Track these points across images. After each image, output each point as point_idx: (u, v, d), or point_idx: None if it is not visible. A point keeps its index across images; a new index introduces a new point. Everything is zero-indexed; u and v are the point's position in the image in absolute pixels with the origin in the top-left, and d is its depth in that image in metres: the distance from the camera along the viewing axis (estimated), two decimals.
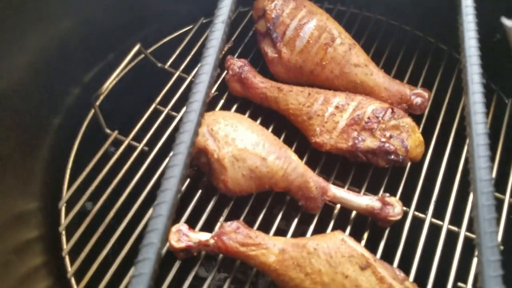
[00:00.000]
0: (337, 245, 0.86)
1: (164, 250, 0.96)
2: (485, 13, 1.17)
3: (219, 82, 1.23)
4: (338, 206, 1.03)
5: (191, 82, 1.20)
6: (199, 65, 0.72)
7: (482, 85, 0.75)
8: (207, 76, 0.73)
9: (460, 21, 0.83)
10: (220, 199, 1.05)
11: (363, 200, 0.97)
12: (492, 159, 1.07)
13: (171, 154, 0.65)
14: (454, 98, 1.20)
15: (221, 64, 1.25)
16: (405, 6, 1.34)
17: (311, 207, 0.98)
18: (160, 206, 0.61)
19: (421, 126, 1.14)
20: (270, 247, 0.89)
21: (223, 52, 1.29)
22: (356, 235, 0.96)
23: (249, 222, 1.00)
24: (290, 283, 0.86)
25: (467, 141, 0.68)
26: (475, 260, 0.97)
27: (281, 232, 1.02)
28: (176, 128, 1.11)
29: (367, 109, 1.03)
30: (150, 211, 0.89)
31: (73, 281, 0.95)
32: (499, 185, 1.07)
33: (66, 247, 0.99)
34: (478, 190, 0.64)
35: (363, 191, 1.06)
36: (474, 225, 0.62)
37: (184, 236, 0.93)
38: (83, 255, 0.97)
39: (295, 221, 1.03)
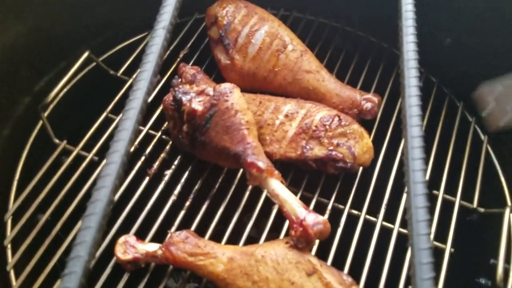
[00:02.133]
0: (284, 252, 0.85)
1: (112, 262, 0.94)
2: (434, 20, 1.21)
3: None
4: None
5: None
6: (137, 71, 0.72)
7: (419, 88, 0.76)
8: (146, 83, 0.72)
9: (400, 25, 0.84)
10: (173, 209, 1.03)
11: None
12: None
13: (103, 163, 0.63)
14: None
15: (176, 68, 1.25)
16: (360, 13, 1.36)
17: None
18: (89, 218, 0.60)
19: (373, 131, 1.15)
20: (219, 256, 0.88)
21: (178, 59, 1.29)
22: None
23: (220, 231, 0.99)
24: None
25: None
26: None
27: (253, 240, 1.00)
28: None
29: (315, 117, 1.03)
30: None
31: None
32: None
33: (11, 261, 0.96)
34: (412, 192, 0.64)
35: (316, 196, 1.07)
36: (408, 227, 0.63)
37: (131, 247, 0.91)
38: (29, 268, 0.94)
39: (267, 228, 1.01)
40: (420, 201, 0.62)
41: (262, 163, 0.90)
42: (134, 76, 1.23)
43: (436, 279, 0.96)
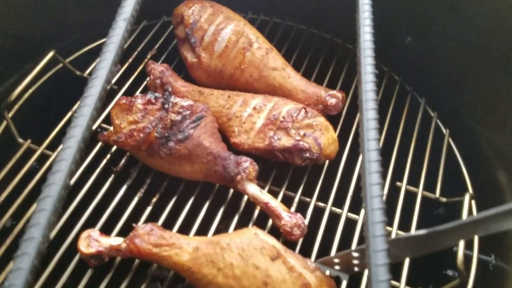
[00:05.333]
0: (249, 239, 0.86)
1: (76, 259, 0.93)
2: (395, 19, 1.26)
3: (141, 88, 1.23)
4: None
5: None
6: (97, 60, 0.72)
7: (374, 75, 0.79)
8: (105, 71, 0.72)
9: (357, 17, 0.87)
10: (140, 205, 1.03)
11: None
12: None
13: (59, 148, 0.62)
14: None
15: (143, 69, 1.26)
16: (324, 16, 1.40)
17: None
18: (44, 201, 0.59)
19: (339, 126, 1.18)
20: (184, 247, 0.88)
21: (147, 58, 1.29)
22: (277, 232, 0.97)
23: (187, 226, 0.99)
24: (203, 280, 0.84)
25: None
26: None
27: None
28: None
29: (282, 109, 1.05)
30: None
31: None
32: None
33: None
34: (367, 182, 0.65)
35: (283, 189, 1.08)
36: (364, 229, 0.63)
37: (95, 241, 0.90)
38: (1, 278, 0.91)
39: (234, 221, 1.02)
40: (376, 202, 0.63)
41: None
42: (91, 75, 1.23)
43: (399, 268, 0.98)
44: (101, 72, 0.72)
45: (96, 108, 0.69)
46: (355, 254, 0.79)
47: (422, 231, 0.70)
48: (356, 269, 0.83)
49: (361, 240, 1.00)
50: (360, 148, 0.66)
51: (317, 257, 0.96)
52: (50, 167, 1.04)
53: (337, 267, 0.85)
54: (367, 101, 0.76)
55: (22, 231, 0.95)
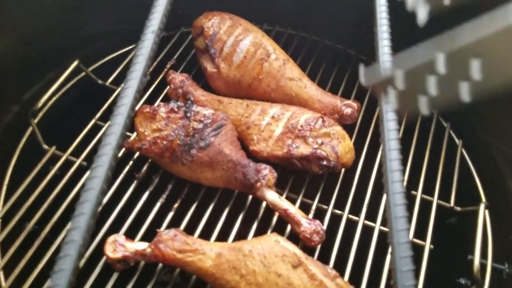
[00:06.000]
0: (271, 246, 0.88)
1: (101, 262, 0.96)
2: (409, 30, 1.29)
3: (161, 97, 1.26)
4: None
5: None
6: (128, 72, 0.75)
7: None
8: (136, 82, 0.75)
9: (375, 31, 0.90)
10: (162, 210, 1.06)
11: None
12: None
13: (92, 165, 0.64)
14: None
15: (163, 78, 1.29)
16: (338, 27, 1.44)
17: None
18: (83, 205, 0.62)
19: (354, 135, 1.21)
20: (207, 252, 0.91)
21: (167, 68, 1.33)
22: (296, 238, 0.99)
23: (208, 232, 1.02)
24: (226, 286, 0.87)
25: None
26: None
27: (241, 239, 1.01)
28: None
29: (300, 118, 1.08)
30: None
31: None
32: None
33: (0, 262, 0.96)
34: (390, 191, 0.68)
35: (300, 197, 1.10)
36: (388, 224, 0.66)
37: (120, 246, 0.92)
38: (18, 269, 0.94)
39: (254, 226, 1.04)
40: (398, 198, 0.66)
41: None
42: (123, 84, 1.26)
43: (416, 275, 1.00)
44: (132, 83, 0.75)
45: (128, 116, 0.72)
46: None
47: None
48: None
49: (378, 247, 1.03)
50: (384, 178, 0.68)
51: (335, 264, 0.98)
52: (74, 173, 1.08)
53: None
54: (388, 112, 0.79)
55: (49, 235, 0.99)
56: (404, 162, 1.17)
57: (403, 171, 0.67)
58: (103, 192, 0.63)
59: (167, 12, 0.85)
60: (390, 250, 0.95)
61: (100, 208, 0.66)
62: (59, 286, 0.54)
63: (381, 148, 0.72)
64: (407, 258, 0.60)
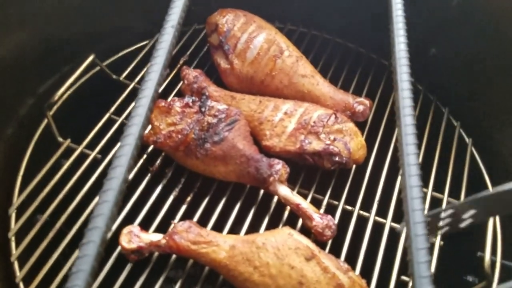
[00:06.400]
0: (284, 239, 0.89)
1: (116, 253, 0.97)
2: (420, 30, 1.30)
3: (174, 92, 1.27)
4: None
5: None
6: (148, 64, 0.76)
7: (410, 83, 0.82)
8: (157, 74, 0.76)
9: (391, 28, 0.91)
10: (175, 203, 1.07)
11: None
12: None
13: (118, 145, 0.66)
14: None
15: (176, 73, 1.31)
16: (349, 26, 1.45)
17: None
18: (106, 193, 0.63)
19: (365, 132, 1.22)
20: (221, 244, 0.92)
21: (180, 63, 1.34)
22: (307, 233, 1.00)
23: (221, 224, 1.03)
24: (240, 277, 0.88)
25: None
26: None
27: (253, 231, 1.02)
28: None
29: (313, 114, 1.09)
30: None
31: (21, 286, 0.94)
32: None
33: (15, 252, 0.98)
34: (406, 173, 0.69)
35: (312, 192, 1.11)
36: (404, 216, 0.66)
37: (136, 237, 0.94)
38: (32, 259, 0.96)
39: (266, 219, 1.06)
40: (414, 180, 0.67)
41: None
42: (138, 77, 1.28)
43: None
44: (153, 75, 0.76)
45: (150, 108, 0.73)
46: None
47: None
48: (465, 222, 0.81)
49: (389, 244, 1.04)
50: (400, 163, 0.69)
51: (346, 259, 0.99)
52: (89, 166, 1.09)
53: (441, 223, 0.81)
54: (405, 116, 0.79)
55: (64, 226, 1.00)
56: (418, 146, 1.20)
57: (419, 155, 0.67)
58: (126, 181, 0.64)
59: (186, 7, 0.87)
60: (402, 243, 0.95)
61: (123, 196, 0.68)
62: (83, 272, 0.55)
63: (393, 140, 0.72)
64: (424, 249, 0.61)
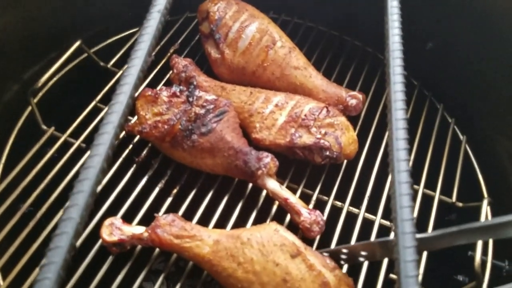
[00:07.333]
0: (270, 235, 0.87)
1: (97, 245, 0.94)
2: (417, 24, 1.27)
3: (163, 81, 1.24)
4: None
5: None
6: (132, 50, 0.73)
7: (403, 76, 0.79)
8: (140, 60, 0.73)
9: (386, 19, 0.88)
10: (160, 195, 1.04)
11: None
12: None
13: (87, 154, 0.62)
14: None
15: (166, 62, 1.27)
16: (345, 19, 1.41)
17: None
18: (82, 183, 0.60)
19: (358, 126, 1.19)
20: (205, 239, 0.89)
21: (170, 52, 1.31)
22: (295, 228, 0.98)
23: (207, 218, 1.01)
24: (223, 273, 0.86)
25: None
26: None
27: (239, 226, 1.00)
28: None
29: (304, 107, 1.07)
30: None
31: None
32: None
33: None
34: (396, 169, 0.67)
35: (301, 187, 1.09)
36: (392, 213, 0.64)
37: (117, 229, 0.91)
38: (12, 248, 0.93)
39: (253, 214, 1.03)
40: (403, 176, 0.65)
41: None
42: (124, 67, 1.24)
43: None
44: (136, 61, 0.73)
45: (131, 96, 0.70)
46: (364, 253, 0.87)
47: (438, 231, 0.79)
48: (361, 259, 0.91)
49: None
50: (389, 158, 0.66)
51: None
52: (72, 155, 1.06)
53: (343, 256, 0.91)
54: (396, 110, 0.76)
55: (44, 218, 0.98)
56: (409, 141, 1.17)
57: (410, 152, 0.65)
58: (103, 171, 0.61)
59: None
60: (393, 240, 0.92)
61: (99, 189, 0.65)
62: (54, 264, 0.52)
63: (386, 135, 0.70)
64: (411, 248, 0.58)
